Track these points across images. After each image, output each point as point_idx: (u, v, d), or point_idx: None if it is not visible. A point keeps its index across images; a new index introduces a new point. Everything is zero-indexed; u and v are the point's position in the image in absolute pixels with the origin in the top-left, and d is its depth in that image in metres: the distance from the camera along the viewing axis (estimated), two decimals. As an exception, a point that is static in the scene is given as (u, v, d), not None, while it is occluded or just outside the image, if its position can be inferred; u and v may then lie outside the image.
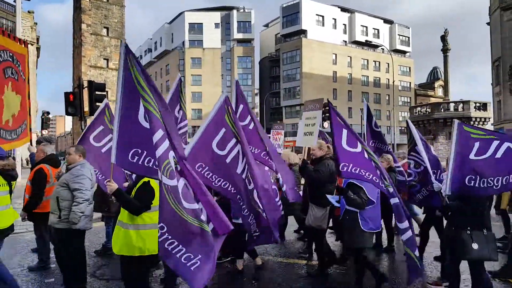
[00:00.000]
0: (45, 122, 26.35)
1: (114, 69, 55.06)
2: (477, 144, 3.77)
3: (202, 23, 61.53)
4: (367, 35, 62.17)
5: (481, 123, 31.30)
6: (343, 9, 62.74)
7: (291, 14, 58.18)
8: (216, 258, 3.24)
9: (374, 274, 4.55)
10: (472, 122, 29.36)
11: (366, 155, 4.13)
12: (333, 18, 60.93)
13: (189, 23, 61.68)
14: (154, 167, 3.06)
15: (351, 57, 61.55)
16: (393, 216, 5.73)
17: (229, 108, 4.07)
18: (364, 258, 4.51)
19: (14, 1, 13.16)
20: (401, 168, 6.38)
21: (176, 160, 3.06)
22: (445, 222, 4.52)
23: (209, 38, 61.04)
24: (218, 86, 60.15)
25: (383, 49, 58.79)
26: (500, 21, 31.87)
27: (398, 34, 67.62)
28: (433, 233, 5.70)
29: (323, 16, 59.53)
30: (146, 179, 3.37)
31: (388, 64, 60.54)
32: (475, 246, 3.68)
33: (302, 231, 7.40)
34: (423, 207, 6.04)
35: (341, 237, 4.73)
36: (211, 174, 3.90)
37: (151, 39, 73.96)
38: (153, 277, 5.01)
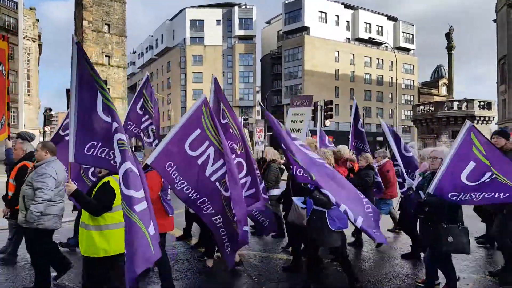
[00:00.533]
0: (48, 118, 26.46)
1: (115, 66, 54.90)
2: (471, 165, 3.75)
3: (203, 20, 61.18)
4: (370, 32, 61.54)
5: (485, 122, 30.71)
6: (347, 6, 62.13)
7: (294, 11, 57.66)
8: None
9: (347, 273, 4.55)
10: (476, 121, 28.77)
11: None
12: (336, 15, 60.38)
13: (190, 20, 61.34)
14: (107, 157, 3.14)
15: (354, 55, 61.01)
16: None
17: (207, 109, 3.91)
18: (341, 255, 4.51)
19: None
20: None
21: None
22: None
23: (211, 35, 60.69)
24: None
25: (386, 46, 58.17)
26: (507, 19, 31.29)
27: (402, 31, 66.99)
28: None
29: (326, 13, 59.01)
30: (106, 179, 3.35)
31: (392, 62, 59.99)
32: (450, 239, 3.84)
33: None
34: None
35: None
36: (176, 174, 3.76)
37: (152, 36, 73.71)
38: (154, 271, 4.92)
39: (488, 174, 3.70)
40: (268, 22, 69.09)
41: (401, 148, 5.94)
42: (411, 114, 41.08)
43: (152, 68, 72.01)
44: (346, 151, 6.40)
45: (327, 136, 8.52)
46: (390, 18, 66.78)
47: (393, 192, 6.61)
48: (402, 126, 58.78)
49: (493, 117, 31.77)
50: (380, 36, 61.37)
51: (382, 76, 63.54)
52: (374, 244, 6.49)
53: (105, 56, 54.89)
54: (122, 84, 54.58)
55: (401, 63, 62.30)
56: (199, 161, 3.83)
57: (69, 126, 3.19)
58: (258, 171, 4.78)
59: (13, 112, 40.78)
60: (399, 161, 5.52)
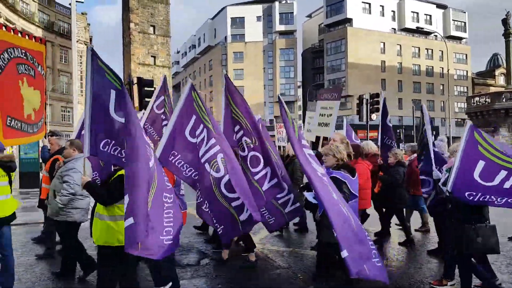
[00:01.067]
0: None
1: (160, 66, 56.87)
2: (481, 164, 3.65)
3: (244, 17, 61.46)
4: (418, 21, 58.51)
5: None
6: (392, -5, 59.61)
7: (336, 3, 56.22)
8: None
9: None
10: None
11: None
12: (380, 5, 58.07)
13: (231, 18, 61.89)
14: (119, 155, 3.32)
15: (400, 45, 58.38)
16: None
17: (196, 93, 4.11)
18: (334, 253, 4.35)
19: (69, 4, 13.94)
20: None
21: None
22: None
23: (251, 31, 60.85)
24: (260, 80, 59.95)
25: (436, 35, 55.04)
26: None
27: (453, 19, 63.07)
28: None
29: (369, 4, 56.95)
30: (121, 172, 3.39)
31: (442, 51, 56.70)
32: (479, 240, 3.68)
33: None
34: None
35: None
36: (182, 163, 3.97)
37: (194, 35, 75.40)
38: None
39: (504, 173, 3.56)
40: (309, 16, 68.05)
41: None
42: (465, 106, 38.63)
43: (195, 66, 73.68)
44: (373, 146, 6.39)
45: (353, 132, 8.14)
46: (439, 6, 63.08)
47: None
48: (456, 119, 55.40)
49: (559, 108, 28.96)
50: (429, 25, 58.13)
51: (432, 67, 60.25)
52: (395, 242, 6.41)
53: (151, 56, 57.02)
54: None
55: (453, 53, 58.63)
56: (198, 146, 4.03)
57: (84, 124, 3.39)
58: (278, 162, 4.86)
59: (68, 112, 43.60)
60: (431, 152, 5.21)
